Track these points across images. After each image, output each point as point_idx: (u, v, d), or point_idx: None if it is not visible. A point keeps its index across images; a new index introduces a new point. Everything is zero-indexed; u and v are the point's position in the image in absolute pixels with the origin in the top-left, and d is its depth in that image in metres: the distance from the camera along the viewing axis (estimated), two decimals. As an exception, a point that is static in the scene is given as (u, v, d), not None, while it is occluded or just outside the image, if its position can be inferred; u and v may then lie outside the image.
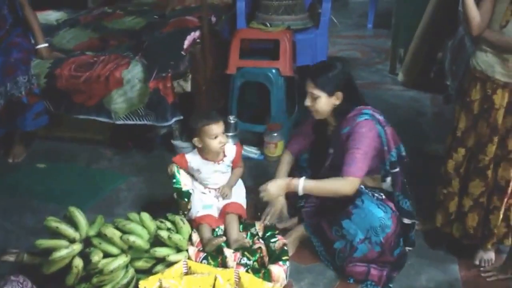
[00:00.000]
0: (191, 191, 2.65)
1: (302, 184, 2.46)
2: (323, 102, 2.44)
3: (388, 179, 2.48)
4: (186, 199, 2.61)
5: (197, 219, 2.59)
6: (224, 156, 2.69)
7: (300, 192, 2.47)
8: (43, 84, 3.41)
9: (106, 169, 3.48)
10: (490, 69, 2.35)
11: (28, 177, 3.41)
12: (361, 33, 6.55)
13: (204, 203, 2.65)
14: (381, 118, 2.44)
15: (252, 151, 3.53)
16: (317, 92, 2.43)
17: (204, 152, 2.66)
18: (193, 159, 2.69)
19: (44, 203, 3.05)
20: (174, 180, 2.62)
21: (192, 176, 2.75)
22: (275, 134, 3.43)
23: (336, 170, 2.44)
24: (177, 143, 3.47)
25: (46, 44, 3.57)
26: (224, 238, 2.51)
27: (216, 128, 2.57)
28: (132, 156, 3.61)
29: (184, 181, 2.64)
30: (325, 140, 2.61)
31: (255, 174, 3.34)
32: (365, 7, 7.03)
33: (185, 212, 2.63)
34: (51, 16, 4.47)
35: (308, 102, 2.49)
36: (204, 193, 2.70)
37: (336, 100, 2.44)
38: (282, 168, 2.74)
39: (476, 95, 2.41)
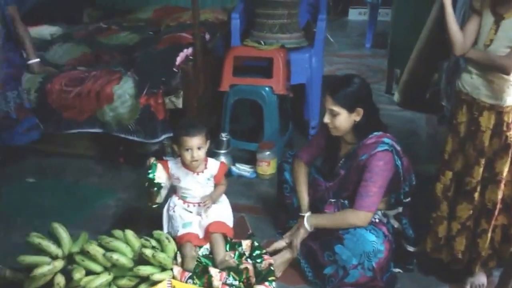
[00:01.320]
0: (163, 184, 2.64)
1: (310, 222, 2.54)
2: (343, 119, 2.38)
3: (400, 208, 2.49)
4: (156, 188, 2.60)
5: (177, 239, 2.56)
6: (205, 168, 2.67)
7: (310, 230, 2.54)
8: (33, 99, 3.42)
9: (96, 185, 3.47)
10: (476, 91, 2.35)
11: (16, 192, 3.38)
12: (359, 52, 6.59)
13: (184, 221, 2.62)
14: (399, 148, 2.40)
15: (244, 169, 3.52)
16: (336, 108, 2.36)
17: (183, 162, 2.66)
18: (174, 166, 2.69)
19: (32, 219, 3.02)
20: (149, 171, 2.61)
21: (173, 187, 2.74)
22: (268, 153, 3.42)
23: (343, 191, 2.49)
24: (170, 159, 3.45)
25: (38, 59, 3.58)
26: (197, 252, 2.51)
27: (190, 141, 2.54)
28: (122, 173, 3.59)
29: (159, 174, 2.63)
30: (337, 158, 2.57)
31: (247, 192, 3.33)
32: (364, 26, 7.09)
33: (153, 206, 2.64)
34: (46, 30, 4.50)
35: (327, 119, 2.43)
36: (184, 209, 2.67)
37: (356, 116, 2.38)
38: (302, 182, 2.69)
39: (462, 117, 2.41)
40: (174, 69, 3.23)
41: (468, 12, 2.60)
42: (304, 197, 2.65)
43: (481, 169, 2.36)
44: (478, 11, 2.37)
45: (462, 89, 2.41)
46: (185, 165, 2.66)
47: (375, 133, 2.39)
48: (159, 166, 2.66)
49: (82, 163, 3.70)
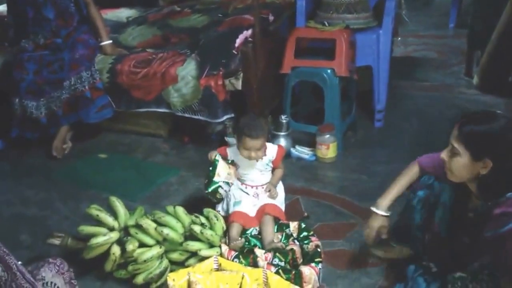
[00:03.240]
0: (222, 183, 2.71)
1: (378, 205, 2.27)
2: (463, 164, 1.86)
3: None
4: (210, 189, 2.69)
5: (229, 218, 2.65)
6: (264, 154, 2.71)
7: (383, 212, 2.30)
8: (105, 79, 3.64)
9: (161, 162, 3.65)
10: None
11: (89, 166, 3.65)
12: (441, 32, 6.35)
13: (235, 199, 2.71)
14: None
15: (304, 152, 3.55)
16: (459, 146, 1.85)
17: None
18: (233, 153, 2.75)
19: (100, 192, 3.24)
20: (211, 168, 2.70)
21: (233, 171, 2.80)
22: (328, 136, 3.43)
23: (462, 255, 2.00)
24: (230, 140, 3.56)
25: (110, 41, 3.80)
26: (242, 240, 2.54)
27: (251, 142, 2.57)
28: (187, 151, 3.75)
29: (219, 171, 2.71)
30: (465, 211, 2.03)
31: (306, 175, 3.37)
32: (449, 5, 6.80)
33: (214, 201, 2.73)
34: (123, 13, 4.73)
35: (444, 155, 1.94)
36: (240, 189, 2.75)
37: (482, 168, 1.83)
38: (401, 180, 2.35)
39: None
40: (234, 51, 3.31)
41: None
42: (390, 194, 2.34)
43: None
44: None
45: None
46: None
47: (509, 195, 1.79)
48: (221, 163, 2.73)
49: (150, 141, 3.91)
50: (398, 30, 5.02)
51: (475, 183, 1.89)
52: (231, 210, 2.68)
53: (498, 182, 1.82)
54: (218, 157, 2.74)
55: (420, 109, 4.29)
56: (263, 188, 2.74)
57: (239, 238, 2.55)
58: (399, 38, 5.48)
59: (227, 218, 2.67)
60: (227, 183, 2.75)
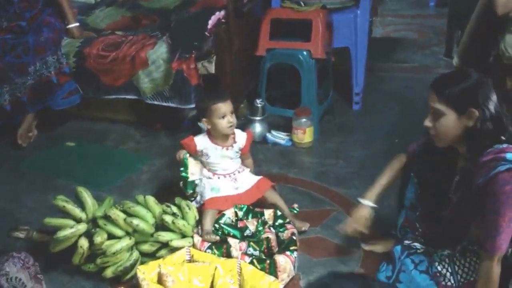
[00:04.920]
0: (197, 181, 2.69)
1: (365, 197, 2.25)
2: (450, 122, 1.91)
3: None
4: (190, 190, 2.67)
5: (204, 204, 2.61)
6: (234, 142, 2.71)
7: (370, 203, 2.30)
8: (72, 63, 3.57)
9: (133, 150, 3.61)
10: None
11: (57, 156, 3.59)
12: (421, 12, 6.37)
13: (211, 185, 2.68)
14: None
15: (280, 137, 3.54)
16: (442, 107, 1.90)
17: (213, 135, 2.68)
18: (202, 142, 2.70)
19: (67, 182, 3.18)
20: (182, 168, 2.68)
21: (201, 162, 2.78)
22: (304, 120, 3.41)
23: (455, 227, 2.03)
24: (203, 125, 3.52)
25: (77, 24, 3.72)
26: (217, 238, 2.50)
27: (224, 107, 2.58)
28: (159, 138, 3.71)
29: (192, 169, 2.69)
30: (451, 176, 2.06)
31: (282, 161, 3.36)
32: (429, -17, 6.82)
33: (191, 199, 2.68)
34: (91, -6, 4.63)
35: (427, 122, 1.97)
36: (211, 178, 2.73)
37: (468, 120, 1.89)
38: (388, 171, 2.34)
39: (510, 84, 2.29)
40: (206, 33, 3.26)
41: None
42: (377, 185, 2.34)
43: None
44: None
45: (505, 52, 2.30)
46: (213, 138, 2.69)
47: (496, 146, 1.87)
48: (191, 161, 2.71)
49: (121, 128, 3.86)
50: (377, 10, 5.01)
51: (463, 139, 1.94)
52: (207, 196, 2.63)
53: (485, 130, 1.88)
54: (187, 155, 2.71)
55: (399, 91, 4.31)
56: (238, 173, 2.74)
57: (213, 229, 2.53)
58: (378, 18, 5.48)
59: (202, 206, 2.64)
60: (201, 179, 2.73)
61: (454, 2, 4.75)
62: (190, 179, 2.68)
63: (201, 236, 2.49)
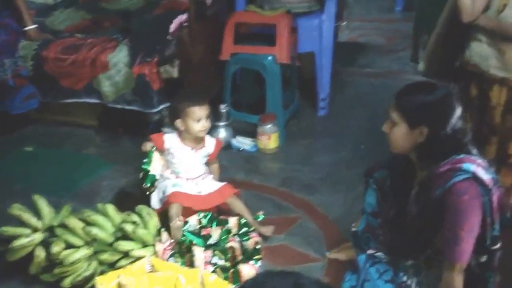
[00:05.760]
0: (158, 176, 2.69)
1: None
2: (400, 133, 1.93)
3: (484, 257, 1.96)
4: (148, 184, 2.66)
5: (167, 199, 2.60)
6: (203, 146, 2.73)
7: None
8: (30, 66, 3.51)
9: (93, 155, 3.57)
10: (485, 62, 2.28)
11: (14, 161, 3.52)
12: (387, 16, 6.46)
13: (173, 182, 2.68)
14: (487, 177, 1.83)
15: (245, 142, 3.54)
16: (396, 117, 1.92)
17: (184, 136, 2.70)
18: (171, 140, 2.72)
19: (26, 188, 3.10)
20: (145, 160, 2.68)
21: (165, 162, 2.78)
22: (269, 126, 3.43)
23: (416, 238, 2.03)
24: (167, 130, 3.50)
25: (35, 26, 3.65)
26: (181, 223, 2.52)
27: (200, 111, 2.60)
28: (121, 143, 3.68)
29: (155, 164, 2.69)
30: (410, 187, 2.06)
31: (247, 167, 3.37)
32: (397, -13, 6.92)
33: (147, 192, 2.68)
34: (50, -5, 4.56)
35: (384, 127, 2.01)
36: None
37: (418, 137, 1.91)
38: None
39: (474, 91, 2.34)
40: (168, 36, 3.25)
41: None
42: None
43: (493, 149, 2.30)
44: None
45: (470, 59, 2.34)
46: (184, 140, 2.70)
47: (453, 157, 1.87)
48: (156, 155, 2.71)
49: (81, 132, 3.80)
50: (343, 14, 5.06)
51: (415, 154, 1.97)
52: (169, 190, 2.63)
53: (436, 149, 1.90)
54: (153, 148, 2.71)
55: (365, 96, 4.35)
56: (202, 179, 2.74)
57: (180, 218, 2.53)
58: (345, 23, 5.53)
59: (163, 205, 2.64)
60: (162, 176, 2.72)
61: (420, 7, 4.82)
62: (151, 172, 2.67)
63: (171, 230, 2.50)
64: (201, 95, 2.69)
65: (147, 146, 2.73)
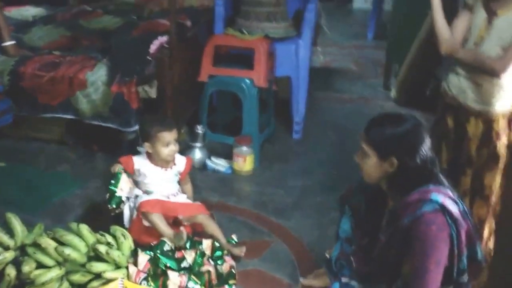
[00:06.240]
0: (124, 199, 2.65)
1: None
2: (371, 164, 1.93)
3: None
4: (114, 205, 2.63)
5: (140, 208, 2.55)
6: (174, 164, 2.71)
7: None
8: (6, 82, 3.43)
9: (67, 172, 3.49)
10: (462, 94, 2.29)
11: (-16, 176, 3.42)
12: (359, 43, 6.54)
13: (146, 192, 2.68)
14: (454, 209, 1.83)
15: (220, 164, 3.51)
16: (366, 148, 1.92)
17: (153, 158, 2.68)
18: (140, 162, 2.70)
19: (-6, 206, 3.05)
20: (113, 181, 2.64)
21: (136, 182, 2.75)
22: (245, 148, 3.41)
23: (386, 267, 2.00)
24: (143, 150, 3.46)
25: (13, 42, 3.59)
26: (184, 233, 2.52)
27: (169, 136, 2.60)
28: (95, 160, 3.62)
29: (122, 185, 2.65)
30: (381, 215, 2.06)
31: (221, 189, 3.33)
32: (368, 16, 7.02)
33: (112, 214, 2.65)
34: (29, 11, 4.52)
35: (356, 158, 2.00)
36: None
37: (389, 167, 1.90)
38: None
39: (451, 123, 2.36)
40: (148, 57, 3.23)
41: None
42: None
43: (468, 180, 2.31)
44: (470, 5, 2.30)
45: (448, 91, 2.36)
46: (153, 160, 2.69)
47: (422, 187, 1.87)
48: (123, 177, 2.68)
49: (54, 149, 3.73)
50: (317, 40, 5.10)
51: (386, 183, 1.96)
52: (142, 199, 2.61)
53: (405, 179, 1.90)
54: (121, 170, 2.69)
55: (338, 121, 4.38)
56: (174, 196, 2.73)
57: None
58: (318, 48, 5.58)
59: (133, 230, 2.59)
60: (128, 199, 2.69)
61: (392, 36, 4.91)
62: (118, 194, 2.64)
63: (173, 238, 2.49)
64: (169, 120, 2.70)
65: (116, 167, 2.70)
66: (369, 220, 2.14)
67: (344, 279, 2.25)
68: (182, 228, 2.58)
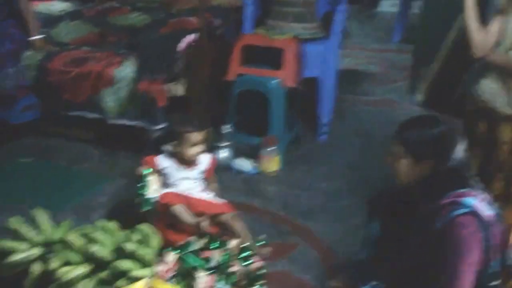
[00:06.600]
0: (153, 200, 2.62)
1: None
2: (406, 166, 1.91)
3: None
4: (145, 209, 2.60)
5: (164, 196, 2.56)
6: (197, 163, 2.69)
7: None
8: (33, 77, 3.43)
9: (92, 170, 3.49)
10: (494, 99, 2.25)
11: (10, 172, 3.43)
12: (384, 47, 6.47)
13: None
14: (487, 212, 1.80)
15: (245, 164, 3.47)
16: (400, 150, 1.90)
17: (178, 157, 2.67)
18: (164, 162, 2.69)
19: (21, 201, 3.02)
20: (141, 185, 2.62)
21: (162, 181, 2.73)
22: (271, 149, 3.38)
23: (414, 272, 1.97)
24: (167, 148, 3.43)
25: (40, 36, 3.59)
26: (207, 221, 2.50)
27: (197, 137, 2.59)
28: (120, 158, 3.60)
29: (151, 187, 2.63)
30: (410, 219, 2.00)
31: (247, 189, 3.30)
32: (393, 19, 6.95)
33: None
34: (56, 6, 4.52)
35: (388, 160, 1.98)
36: None
37: (423, 170, 1.90)
38: None
39: (483, 127, 2.31)
40: (177, 55, 3.20)
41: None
42: None
43: (499, 185, 2.27)
44: (502, 10, 2.27)
45: (479, 96, 2.32)
46: (177, 159, 2.67)
47: (455, 190, 1.84)
48: (152, 179, 2.66)
49: (80, 146, 3.73)
50: (343, 42, 5.05)
51: (418, 186, 1.93)
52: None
53: (439, 182, 1.87)
54: (148, 172, 2.66)
55: (363, 125, 4.33)
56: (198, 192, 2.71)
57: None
58: (345, 50, 5.53)
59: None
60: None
61: (420, 38, 4.83)
62: (148, 196, 2.61)
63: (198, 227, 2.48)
64: (198, 121, 2.67)
65: (142, 169, 2.68)
66: (398, 224, 2.08)
67: (371, 283, 2.19)
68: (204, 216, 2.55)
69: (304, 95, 3.87)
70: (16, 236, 2.31)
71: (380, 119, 4.39)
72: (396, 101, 4.85)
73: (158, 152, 3.43)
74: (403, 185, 1.99)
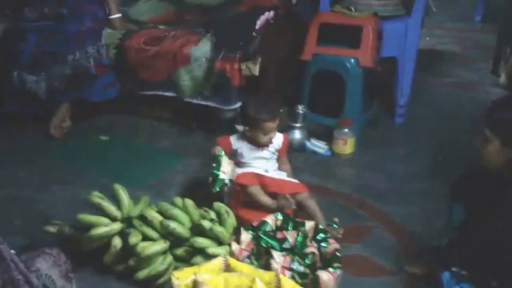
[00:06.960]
0: (227, 181, 2.63)
1: None
2: (494, 150, 1.91)
3: None
4: (217, 188, 2.61)
5: (239, 177, 2.57)
6: (270, 142, 2.69)
7: None
8: (112, 56, 3.51)
9: (167, 148, 3.54)
10: None
11: (89, 148, 3.53)
12: (466, 26, 6.22)
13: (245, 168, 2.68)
14: None
15: (319, 146, 3.43)
16: (488, 133, 1.90)
17: (250, 139, 2.69)
18: (237, 142, 2.72)
19: (99, 176, 3.12)
20: (214, 165, 2.63)
21: (235, 163, 2.75)
22: (346, 130, 3.32)
23: (499, 256, 1.97)
24: (241, 128, 3.44)
25: (120, 15, 3.66)
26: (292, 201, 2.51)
27: (272, 125, 2.60)
28: (194, 137, 3.64)
29: (224, 168, 2.64)
30: (497, 202, 1.99)
31: (321, 171, 3.26)
32: (476, -3, 6.67)
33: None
34: (133, -15, 4.57)
35: (476, 143, 1.98)
36: None
37: (511, 154, 1.89)
38: None
39: None
40: (253, 33, 3.18)
41: None
42: None
43: None
44: None
45: None
46: (250, 140, 2.68)
47: None
48: (225, 159, 2.67)
49: (156, 125, 3.79)
50: (424, 21, 4.88)
51: (507, 168, 1.92)
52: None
53: None
54: (221, 153, 2.67)
55: (442, 106, 4.19)
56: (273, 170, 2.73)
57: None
58: (424, 29, 5.35)
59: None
60: (231, 180, 2.66)
61: (506, 19, 4.60)
62: (221, 177, 2.62)
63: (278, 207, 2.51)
64: (274, 107, 2.67)
65: (216, 150, 2.69)
66: (485, 208, 2.03)
67: (454, 268, 2.14)
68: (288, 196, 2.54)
69: (381, 75, 3.77)
70: (98, 210, 2.39)
71: (460, 102, 4.23)
72: (478, 83, 4.66)
73: (232, 132, 3.47)
74: (489, 169, 1.96)
